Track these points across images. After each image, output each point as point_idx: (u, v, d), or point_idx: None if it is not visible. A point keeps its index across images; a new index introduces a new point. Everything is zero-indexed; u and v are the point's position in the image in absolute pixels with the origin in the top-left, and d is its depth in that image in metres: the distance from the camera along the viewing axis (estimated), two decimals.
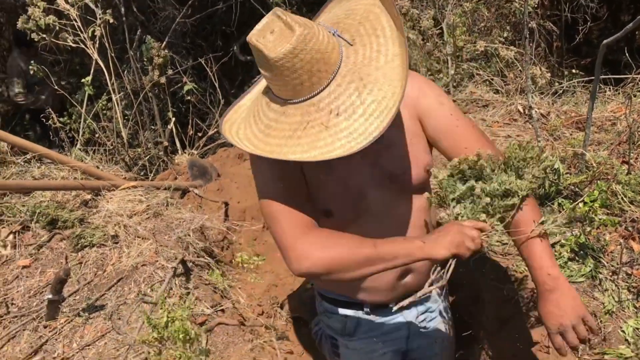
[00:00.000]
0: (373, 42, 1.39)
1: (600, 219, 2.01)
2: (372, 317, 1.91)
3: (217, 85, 4.96)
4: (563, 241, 2.17)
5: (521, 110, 3.19)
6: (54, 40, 4.41)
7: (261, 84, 1.53)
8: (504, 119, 3.15)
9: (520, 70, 3.99)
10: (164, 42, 5.04)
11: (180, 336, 1.57)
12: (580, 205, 2.15)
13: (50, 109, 4.07)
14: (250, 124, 1.44)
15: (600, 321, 1.84)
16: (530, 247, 1.54)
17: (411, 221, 1.74)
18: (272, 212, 1.49)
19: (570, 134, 2.89)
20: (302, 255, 1.42)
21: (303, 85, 1.33)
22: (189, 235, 2.63)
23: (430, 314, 1.95)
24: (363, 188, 1.62)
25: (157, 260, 2.45)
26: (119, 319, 2.22)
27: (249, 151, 1.40)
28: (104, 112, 4.81)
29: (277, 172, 1.50)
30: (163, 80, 4.91)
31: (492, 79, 3.82)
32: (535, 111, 2.54)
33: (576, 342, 1.44)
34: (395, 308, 1.50)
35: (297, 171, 1.54)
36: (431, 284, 1.46)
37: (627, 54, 3.01)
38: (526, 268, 1.60)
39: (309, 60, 1.31)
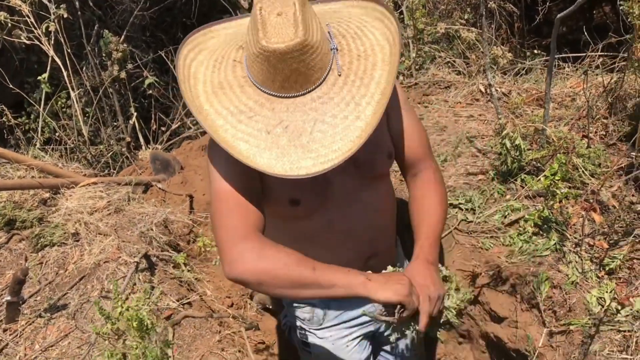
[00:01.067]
0: (356, 81, 1.37)
1: (562, 192, 2.03)
2: (338, 304, 1.90)
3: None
4: (527, 216, 2.18)
5: (483, 90, 3.19)
6: (7, 38, 4.28)
7: (236, 33, 1.48)
8: (466, 100, 3.15)
9: (482, 51, 4.01)
10: (123, 36, 4.94)
11: (134, 324, 1.53)
12: (542, 179, 2.16)
13: (3, 107, 3.94)
14: (217, 94, 1.36)
15: (565, 293, 1.85)
16: (424, 222, 1.66)
17: (376, 206, 1.75)
18: (219, 209, 1.45)
19: (532, 112, 2.90)
20: (236, 260, 1.36)
21: (296, 82, 1.30)
22: (152, 229, 2.58)
23: None
24: (328, 174, 1.60)
25: (120, 257, 2.39)
26: (83, 317, 2.16)
27: (208, 129, 1.34)
28: (63, 109, 4.71)
29: (235, 167, 1.44)
30: (123, 75, 4.81)
31: (454, 61, 3.82)
32: (496, 90, 2.55)
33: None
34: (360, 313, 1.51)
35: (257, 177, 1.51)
36: (381, 315, 1.45)
37: (585, 33, 3.05)
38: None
39: (315, 59, 1.29)
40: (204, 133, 4.75)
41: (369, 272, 1.47)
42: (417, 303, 1.45)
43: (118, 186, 2.95)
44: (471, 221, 2.29)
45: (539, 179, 2.26)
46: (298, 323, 1.97)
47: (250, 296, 2.89)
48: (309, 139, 1.31)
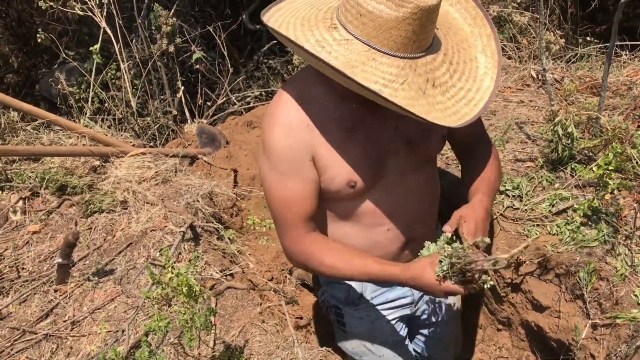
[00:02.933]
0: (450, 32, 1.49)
1: (614, 183, 1.98)
2: (375, 286, 1.90)
3: (225, 54, 4.91)
4: (575, 206, 2.14)
5: (534, 76, 3.13)
6: (62, 8, 4.37)
7: None
8: (516, 85, 3.09)
9: (533, 36, 3.91)
10: (172, 10, 4.97)
11: (184, 290, 1.57)
12: (594, 168, 2.11)
13: (58, 74, 4.03)
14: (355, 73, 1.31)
15: (613, 285, 1.82)
16: (479, 190, 1.64)
17: (422, 190, 1.73)
18: (280, 209, 1.57)
19: (585, 99, 2.83)
20: (297, 254, 1.61)
21: (414, 42, 1.31)
22: (198, 201, 2.62)
23: None
24: (381, 154, 1.59)
25: (166, 226, 2.44)
26: (129, 283, 2.23)
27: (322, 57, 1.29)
28: (113, 81, 4.79)
29: (294, 163, 1.51)
30: (172, 49, 4.86)
31: (504, 45, 3.74)
32: (549, 75, 2.49)
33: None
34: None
35: (310, 164, 1.54)
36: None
37: None
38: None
39: (436, 20, 1.33)
40: (248, 109, 4.78)
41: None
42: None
43: (165, 157, 3.00)
44: (518, 208, 2.26)
45: (591, 169, 2.21)
46: (334, 302, 1.98)
47: (289, 271, 2.93)
48: (454, 90, 1.39)
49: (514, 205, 2.27)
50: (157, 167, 2.85)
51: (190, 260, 2.00)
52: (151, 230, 2.44)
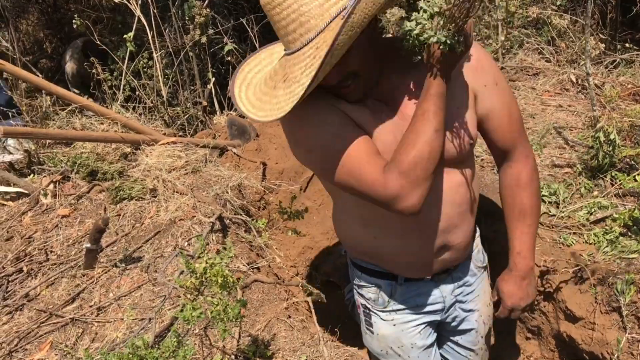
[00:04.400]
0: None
1: None
2: (406, 289, 1.86)
3: (257, 46, 4.90)
4: (615, 215, 2.07)
5: (574, 80, 3.05)
6: None
7: None
8: (554, 89, 3.02)
9: (572, 40, 3.82)
10: (206, 1, 4.97)
11: (219, 280, 1.55)
12: (637, 177, 2.04)
13: (94, 59, 4.06)
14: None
15: None
16: (518, 229, 1.68)
17: (454, 196, 1.65)
18: (354, 167, 1.40)
19: (626, 106, 2.75)
20: (399, 195, 1.36)
21: (289, 37, 1.32)
22: (227, 192, 2.61)
23: (467, 288, 1.89)
24: None
25: (195, 216, 2.43)
26: (156, 271, 2.22)
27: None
28: (145, 69, 4.80)
29: (341, 118, 1.43)
30: (204, 39, 4.86)
31: (542, 48, 3.66)
32: (592, 78, 2.42)
33: (501, 313, 1.77)
34: None
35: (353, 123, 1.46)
36: None
37: None
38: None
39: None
40: None
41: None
42: None
43: (196, 147, 2.99)
44: (554, 215, 2.20)
45: (633, 177, 2.14)
46: (362, 302, 1.94)
47: (315, 268, 2.90)
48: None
49: (550, 211, 2.22)
50: (187, 156, 2.84)
51: (218, 252, 1.98)
52: (180, 220, 2.43)
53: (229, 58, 5.07)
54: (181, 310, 1.93)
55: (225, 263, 1.59)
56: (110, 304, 2.12)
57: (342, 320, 2.63)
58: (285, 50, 1.36)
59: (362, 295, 1.93)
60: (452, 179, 1.63)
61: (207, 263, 1.48)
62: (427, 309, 1.89)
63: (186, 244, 2.29)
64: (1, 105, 3.42)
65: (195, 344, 1.89)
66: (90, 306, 2.13)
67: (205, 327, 1.94)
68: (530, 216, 1.67)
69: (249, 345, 1.84)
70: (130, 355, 1.46)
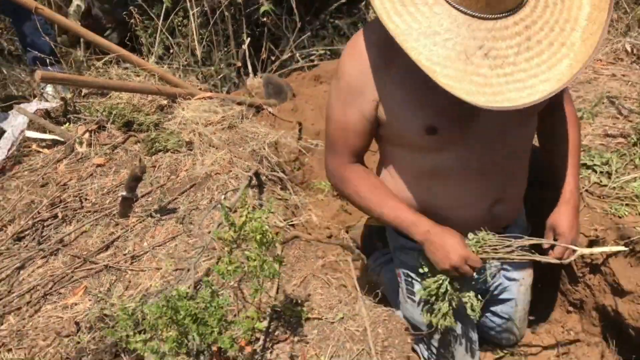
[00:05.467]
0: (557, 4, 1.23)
1: None
2: None
3: (294, 8, 4.80)
4: None
5: (628, 50, 2.91)
6: None
7: None
8: (607, 58, 2.89)
9: (624, 11, 3.65)
10: None
11: (258, 237, 1.50)
12: None
13: (133, 8, 4.00)
14: (400, 13, 1.22)
15: None
16: (563, 161, 1.70)
17: (517, 149, 1.61)
18: (331, 134, 1.61)
19: None
20: (331, 176, 1.69)
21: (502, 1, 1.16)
22: (264, 149, 2.55)
23: None
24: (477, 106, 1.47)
25: (231, 170, 2.39)
26: (191, 223, 2.18)
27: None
28: (179, 27, 4.74)
29: (353, 96, 1.49)
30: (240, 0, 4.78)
31: None
32: None
33: (559, 252, 1.62)
34: None
35: (372, 105, 1.50)
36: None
37: None
38: None
39: None
40: (311, 67, 4.67)
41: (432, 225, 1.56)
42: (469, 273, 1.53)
43: (232, 103, 2.94)
44: (605, 185, 2.10)
45: None
46: (405, 269, 1.88)
47: (346, 230, 2.84)
48: (514, 69, 1.18)
49: (601, 181, 2.12)
50: (224, 112, 2.79)
51: (261, 206, 1.94)
52: (216, 174, 2.38)
53: (265, 19, 4.99)
54: (217, 263, 1.90)
55: (266, 217, 1.54)
56: (145, 252, 2.09)
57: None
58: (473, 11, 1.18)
59: (404, 262, 1.87)
60: (520, 133, 1.60)
61: (246, 217, 1.42)
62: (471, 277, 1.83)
63: (222, 197, 2.25)
64: (44, 52, 3.40)
65: (230, 296, 1.85)
66: (125, 254, 2.10)
67: (240, 279, 1.90)
68: (576, 156, 1.73)
69: (285, 302, 1.80)
70: (164, 307, 1.42)
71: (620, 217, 2.00)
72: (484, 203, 1.64)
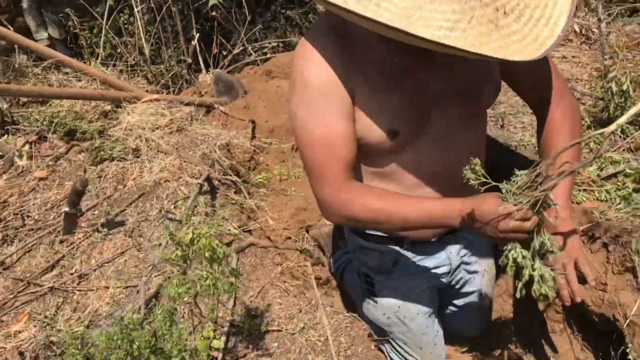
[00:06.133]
0: None
1: None
2: (411, 253, 1.75)
3: (243, 1, 4.69)
4: (628, 170, 1.96)
5: (577, 30, 2.90)
6: None
7: None
8: None
9: None
10: None
11: (207, 254, 1.42)
12: None
13: (71, 11, 3.83)
14: None
15: None
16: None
17: (471, 148, 1.55)
18: (315, 158, 1.37)
19: (633, 57, 2.61)
20: (332, 211, 1.41)
21: None
22: (215, 151, 2.46)
23: (472, 248, 1.83)
24: (429, 105, 1.41)
25: (181, 177, 2.29)
26: (140, 236, 2.08)
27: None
28: (126, 26, 4.58)
29: (331, 106, 1.33)
30: None
31: None
32: (604, 24, 2.27)
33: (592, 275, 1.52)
34: None
35: (350, 103, 1.36)
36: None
37: None
38: None
39: None
40: (264, 60, 4.58)
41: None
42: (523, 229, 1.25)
43: (180, 105, 2.82)
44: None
45: None
46: (365, 270, 1.83)
47: (306, 230, 2.78)
48: (529, 13, 1.13)
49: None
50: (171, 114, 2.68)
51: (210, 218, 1.85)
52: (165, 181, 2.28)
53: (214, 13, 4.86)
54: (167, 282, 1.81)
55: (215, 231, 1.46)
56: (93, 270, 1.99)
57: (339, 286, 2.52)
58: None
59: (364, 262, 1.82)
60: (472, 130, 1.54)
61: (193, 234, 1.34)
62: (433, 272, 1.79)
63: (172, 206, 2.15)
64: None
65: (185, 313, 1.77)
66: (71, 274, 1.99)
67: (195, 295, 1.81)
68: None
69: (242, 314, 1.73)
70: (117, 338, 1.32)
71: (578, 204, 1.98)
72: None
